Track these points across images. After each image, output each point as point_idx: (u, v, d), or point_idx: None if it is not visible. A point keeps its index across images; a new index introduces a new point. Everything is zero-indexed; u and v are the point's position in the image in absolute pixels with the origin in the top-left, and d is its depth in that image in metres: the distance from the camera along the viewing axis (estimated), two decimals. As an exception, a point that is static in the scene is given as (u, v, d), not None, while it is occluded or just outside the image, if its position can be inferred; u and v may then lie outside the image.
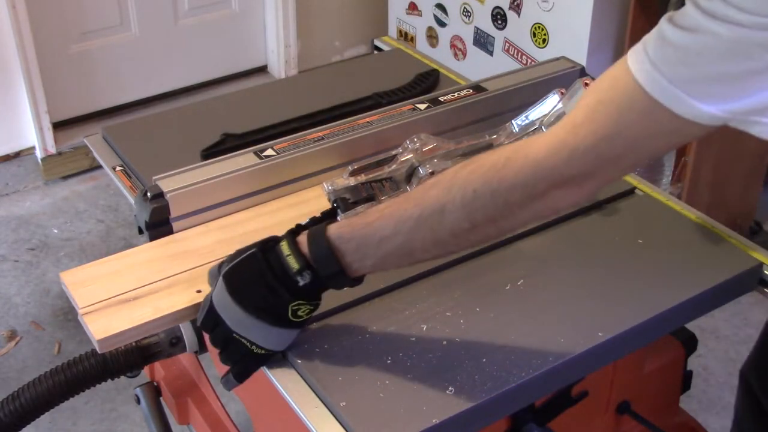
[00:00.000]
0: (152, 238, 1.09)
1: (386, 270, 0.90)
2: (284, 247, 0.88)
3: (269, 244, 0.90)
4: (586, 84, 1.14)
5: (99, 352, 0.97)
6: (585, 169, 0.79)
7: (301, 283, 0.87)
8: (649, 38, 0.74)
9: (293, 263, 0.87)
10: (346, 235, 0.86)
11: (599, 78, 0.80)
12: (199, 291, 1.00)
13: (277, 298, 0.87)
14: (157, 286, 1.01)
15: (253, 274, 0.88)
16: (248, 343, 0.89)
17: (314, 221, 1.07)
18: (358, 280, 0.90)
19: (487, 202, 0.82)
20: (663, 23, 0.73)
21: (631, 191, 1.21)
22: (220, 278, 0.90)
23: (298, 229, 0.91)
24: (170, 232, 1.10)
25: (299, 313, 0.88)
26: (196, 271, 1.03)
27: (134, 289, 1.01)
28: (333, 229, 0.87)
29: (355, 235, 0.86)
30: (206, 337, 0.96)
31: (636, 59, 0.74)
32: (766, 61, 0.68)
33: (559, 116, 1.15)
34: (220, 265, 0.93)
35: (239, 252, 0.91)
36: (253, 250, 0.89)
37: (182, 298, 0.99)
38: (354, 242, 0.86)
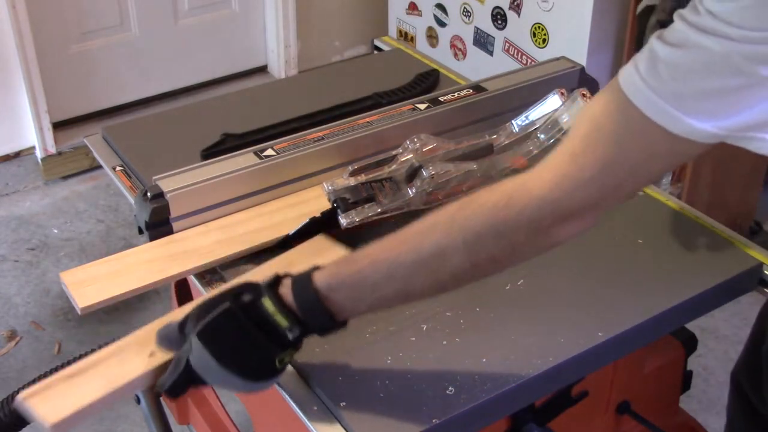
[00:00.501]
0: (152, 238, 1.09)
1: (382, 310, 0.88)
2: (268, 304, 0.83)
3: (245, 298, 0.84)
4: (583, 95, 1.14)
5: None
6: (589, 200, 0.77)
7: (291, 337, 0.83)
8: (640, 57, 0.74)
9: (282, 320, 0.82)
10: (335, 284, 0.83)
11: (591, 103, 0.78)
12: (152, 354, 0.91)
13: (266, 354, 0.83)
14: (105, 354, 0.92)
15: (238, 335, 0.83)
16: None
17: (314, 221, 1.08)
18: (345, 323, 0.86)
19: (490, 244, 0.79)
20: (653, 41, 0.73)
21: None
22: (195, 340, 0.83)
23: (276, 281, 0.85)
24: (170, 232, 1.10)
25: (285, 360, 0.85)
26: (143, 335, 0.93)
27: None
28: (320, 279, 0.83)
29: (345, 283, 0.83)
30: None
31: (628, 79, 0.74)
32: (757, 75, 0.68)
33: (556, 120, 1.15)
34: (183, 325, 0.86)
35: (206, 307, 0.85)
36: (228, 305, 0.83)
37: (135, 365, 0.90)
38: (344, 291, 0.83)
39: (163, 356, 0.89)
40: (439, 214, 0.83)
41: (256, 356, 0.83)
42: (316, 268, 0.85)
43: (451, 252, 0.80)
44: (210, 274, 1.07)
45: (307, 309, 0.83)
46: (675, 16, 0.72)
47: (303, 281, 0.83)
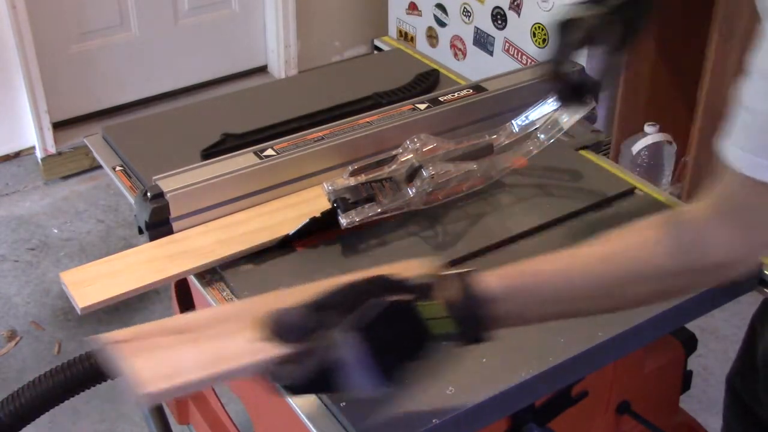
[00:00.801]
0: (152, 238, 1.09)
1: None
2: (425, 309, 0.78)
3: (399, 299, 0.78)
4: None
5: None
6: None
7: (441, 343, 0.79)
8: (737, 136, 0.75)
9: (436, 327, 0.78)
10: (499, 297, 0.78)
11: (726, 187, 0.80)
12: (258, 339, 0.78)
13: (410, 358, 0.79)
14: (203, 318, 0.82)
15: (390, 336, 0.77)
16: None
17: (314, 221, 1.08)
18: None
19: (680, 282, 0.80)
20: (743, 114, 0.74)
21: (631, 191, 1.21)
22: (344, 336, 0.75)
23: (432, 284, 0.80)
24: (170, 232, 1.10)
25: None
26: (239, 311, 0.85)
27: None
28: (482, 290, 0.78)
29: (510, 299, 0.79)
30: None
31: (743, 163, 0.75)
32: None
33: (556, 120, 1.15)
34: (312, 313, 0.78)
35: (351, 302, 0.78)
36: (379, 302, 0.77)
37: (238, 350, 0.78)
38: (507, 305, 0.79)
39: (272, 347, 0.77)
40: (615, 242, 0.82)
41: (401, 359, 0.79)
42: (470, 274, 0.80)
43: (633, 283, 0.79)
44: (210, 274, 1.07)
45: (466, 318, 0.78)
46: (749, 77, 0.72)
47: (463, 289, 0.78)
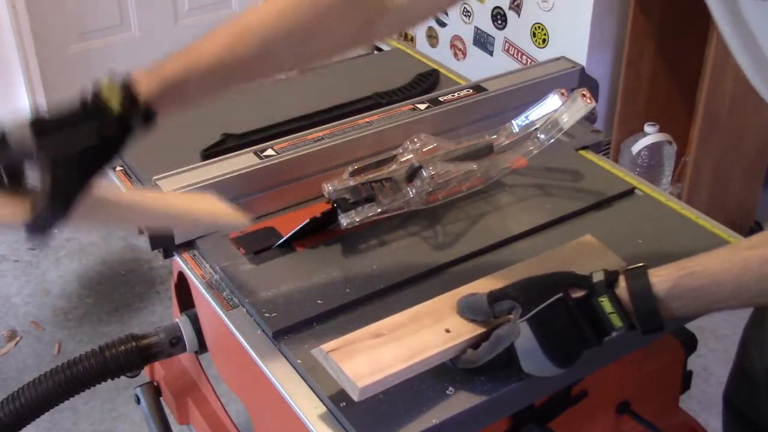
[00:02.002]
0: (152, 238, 1.09)
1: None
2: (606, 304, 0.84)
3: (579, 293, 0.85)
4: (583, 95, 1.13)
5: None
6: None
7: (614, 335, 0.85)
8: None
9: (617, 321, 0.84)
10: (676, 294, 0.83)
11: None
12: (447, 330, 0.88)
13: (587, 347, 0.85)
14: (399, 320, 0.90)
15: (568, 327, 0.84)
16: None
17: (314, 221, 1.08)
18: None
19: None
20: None
21: (631, 191, 1.21)
22: (525, 325, 0.84)
23: (612, 279, 0.85)
24: (170, 231, 1.10)
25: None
26: (434, 307, 0.91)
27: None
28: (659, 287, 0.83)
29: (685, 296, 0.83)
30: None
31: None
32: None
33: (556, 120, 1.15)
34: (495, 300, 0.87)
35: (532, 293, 0.86)
36: (561, 296, 0.84)
37: (432, 339, 0.88)
38: (681, 302, 0.83)
39: (461, 334, 0.87)
40: None
41: (578, 348, 0.85)
42: (645, 272, 0.84)
43: None
44: (209, 274, 1.07)
45: (643, 314, 0.84)
46: None
47: (642, 287, 0.84)
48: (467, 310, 0.90)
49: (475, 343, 0.88)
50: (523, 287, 0.87)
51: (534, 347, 0.84)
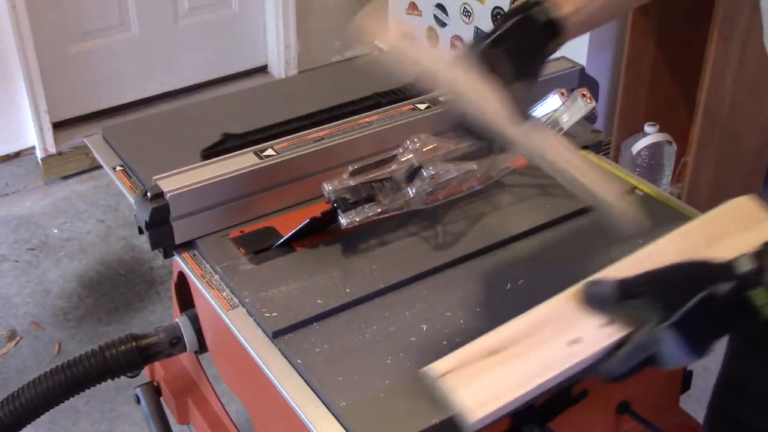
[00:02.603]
0: (152, 238, 1.09)
1: None
2: (760, 297, 0.75)
3: (723, 288, 0.76)
4: (583, 95, 1.14)
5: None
6: None
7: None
8: None
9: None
10: None
11: None
12: (575, 341, 0.79)
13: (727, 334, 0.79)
14: (518, 331, 0.81)
15: (718, 327, 0.77)
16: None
17: (314, 221, 1.08)
18: None
19: None
20: None
21: (631, 191, 1.21)
22: (668, 332, 0.75)
23: (762, 263, 0.76)
24: (170, 232, 1.10)
25: None
26: (554, 311, 0.82)
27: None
28: None
29: None
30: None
31: None
32: None
33: (556, 120, 1.15)
34: (624, 291, 0.78)
35: (671, 290, 0.77)
36: (705, 294, 0.75)
37: (557, 353, 0.79)
38: None
39: (592, 344, 0.78)
40: None
41: (720, 338, 0.78)
42: None
43: None
44: (209, 274, 1.07)
45: None
46: None
47: None
48: (592, 300, 0.81)
49: (606, 355, 0.80)
50: (658, 285, 0.78)
51: (676, 350, 0.76)
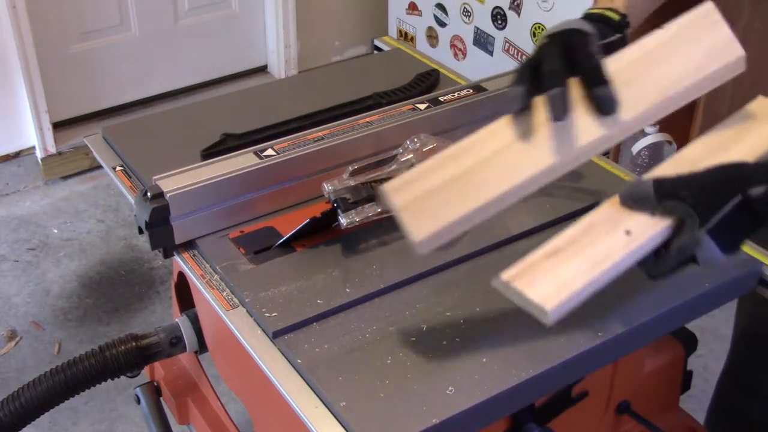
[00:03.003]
0: (152, 238, 1.09)
1: None
2: None
3: (758, 191, 0.78)
4: None
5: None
6: None
7: None
8: None
9: None
10: None
11: None
12: (628, 232, 0.83)
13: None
14: (574, 233, 0.86)
15: (754, 228, 0.80)
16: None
17: (314, 221, 1.08)
18: None
19: None
20: None
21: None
22: (706, 237, 0.78)
23: None
24: (170, 231, 1.10)
25: None
26: (610, 210, 0.86)
27: None
28: None
29: None
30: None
31: None
32: None
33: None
34: (662, 192, 0.81)
35: (708, 193, 0.80)
36: (741, 198, 0.78)
37: (612, 245, 0.83)
38: None
39: (642, 233, 0.82)
40: None
41: (750, 236, 0.82)
42: None
43: None
44: (209, 274, 1.07)
45: None
46: None
47: None
48: (630, 199, 0.84)
49: (655, 248, 0.83)
50: (695, 188, 0.81)
51: (714, 252, 0.79)
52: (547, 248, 0.85)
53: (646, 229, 0.83)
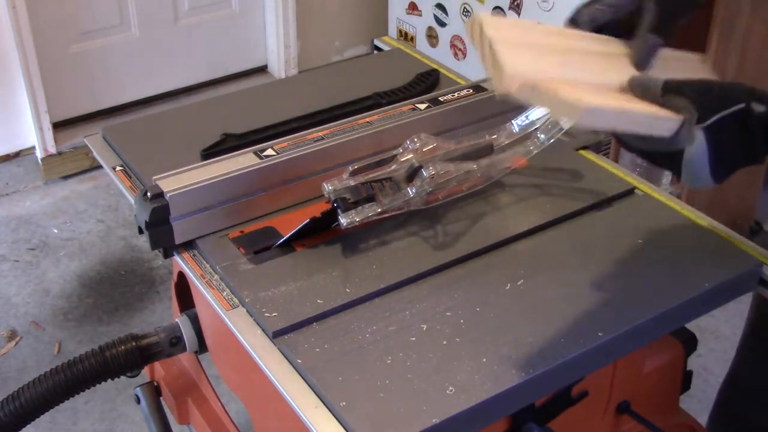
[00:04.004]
0: (152, 238, 1.09)
1: None
2: None
3: (760, 108, 0.79)
4: None
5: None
6: None
7: None
8: None
9: None
10: None
11: None
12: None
13: (748, 165, 0.81)
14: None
15: (744, 145, 0.79)
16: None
17: (314, 221, 1.08)
18: None
19: None
20: None
21: (631, 191, 1.21)
22: (700, 132, 0.78)
23: None
24: (170, 232, 1.10)
25: None
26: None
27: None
28: None
29: None
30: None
31: None
32: None
33: (556, 120, 1.15)
34: (670, 88, 0.80)
35: (711, 96, 0.79)
36: (742, 107, 0.78)
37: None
38: None
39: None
40: None
41: (742, 163, 0.81)
42: None
43: None
44: (209, 274, 1.07)
45: None
46: None
47: None
48: (638, 87, 0.84)
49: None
50: (701, 90, 0.80)
51: (702, 156, 0.79)
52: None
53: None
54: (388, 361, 0.92)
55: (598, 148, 1.33)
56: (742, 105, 0.78)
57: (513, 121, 1.21)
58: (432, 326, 0.97)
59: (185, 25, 3.12)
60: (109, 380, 1.18)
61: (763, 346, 1.23)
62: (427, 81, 1.47)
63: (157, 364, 1.44)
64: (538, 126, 1.18)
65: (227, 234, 1.13)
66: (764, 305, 1.19)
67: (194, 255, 1.11)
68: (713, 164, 0.79)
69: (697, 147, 0.79)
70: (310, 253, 1.09)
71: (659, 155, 0.83)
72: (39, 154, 2.84)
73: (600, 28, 0.93)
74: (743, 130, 0.79)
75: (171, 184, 1.09)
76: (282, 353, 0.95)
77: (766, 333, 1.25)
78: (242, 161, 1.15)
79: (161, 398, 1.43)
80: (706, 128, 0.78)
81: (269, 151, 1.17)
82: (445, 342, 0.94)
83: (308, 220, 1.08)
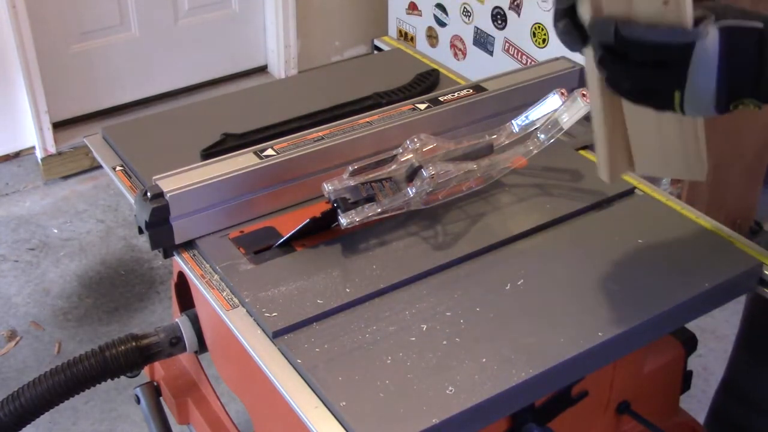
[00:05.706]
0: (152, 238, 1.09)
1: None
2: None
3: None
4: (583, 95, 1.13)
5: None
6: None
7: None
8: None
9: None
10: None
11: None
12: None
13: (748, 98, 0.79)
14: None
15: (754, 65, 0.77)
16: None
17: (314, 221, 1.08)
18: None
19: None
20: None
21: (631, 191, 1.21)
22: (714, 31, 0.76)
23: None
24: (170, 232, 1.10)
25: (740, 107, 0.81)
26: None
27: None
28: None
29: None
30: None
31: None
32: None
33: (556, 120, 1.15)
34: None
35: (735, 10, 0.77)
36: (761, 26, 0.76)
37: None
38: None
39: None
40: None
41: (745, 91, 0.79)
42: None
43: None
44: (209, 274, 1.07)
45: None
46: None
47: None
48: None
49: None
50: (722, 5, 0.79)
51: (713, 58, 0.76)
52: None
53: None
54: (388, 361, 0.92)
55: (598, 148, 1.33)
56: (760, 25, 0.76)
57: (513, 121, 1.21)
58: (432, 326, 0.97)
59: (185, 25, 3.12)
60: (109, 380, 1.18)
61: (755, 354, 1.24)
62: (427, 81, 1.47)
63: (157, 364, 1.44)
64: (538, 126, 1.18)
65: (227, 234, 1.13)
66: (756, 311, 1.19)
67: (194, 255, 1.11)
68: (720, 77, 0.77)
69: (710, 42, 0.76)
70: (310, 253, 1.09)
71: (658, 77, 0.80)
72: (39, 154, 2.84)
73: None
74: (756, 52, 0.76)
75: (171, 184, 1.09)
76: (282, 353, 0.95)
77: (759, 340, 1.25)
78: (242, 161, 1.15)
79: (161, 398, 1.43)
80: (722, 29, 0.76)
81: (269, 151, 1.17)
82: (445, 342, 0.94)
83: (308, 220, 1.08)
